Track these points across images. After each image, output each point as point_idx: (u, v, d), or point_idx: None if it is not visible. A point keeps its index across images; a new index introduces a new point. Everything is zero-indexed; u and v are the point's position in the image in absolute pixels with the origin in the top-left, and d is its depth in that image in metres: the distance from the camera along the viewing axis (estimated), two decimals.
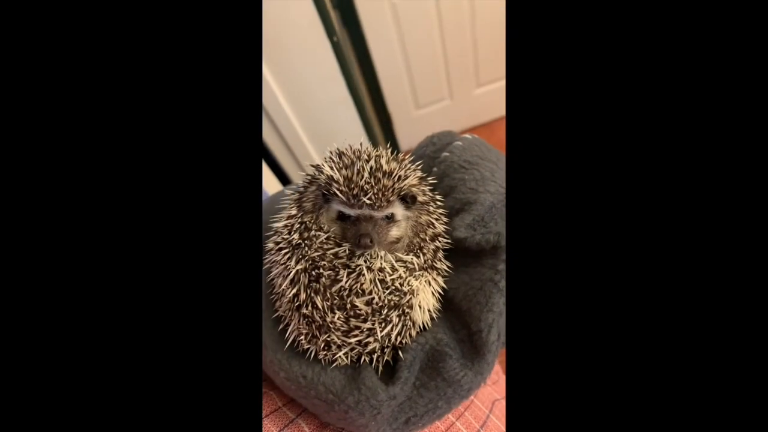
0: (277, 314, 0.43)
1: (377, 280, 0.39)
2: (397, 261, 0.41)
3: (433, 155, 0.52)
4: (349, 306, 0.38)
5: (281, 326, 0.42)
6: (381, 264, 0.39)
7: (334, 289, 0.39)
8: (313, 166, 0.45)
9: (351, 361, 0.40)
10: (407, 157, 0.47)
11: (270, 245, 0.43)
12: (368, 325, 0.38)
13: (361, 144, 0.45)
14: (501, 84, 2.11)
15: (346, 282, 0.38)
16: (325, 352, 0.40)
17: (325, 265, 0.39)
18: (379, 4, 1.53)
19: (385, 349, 0.40)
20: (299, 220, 0.42)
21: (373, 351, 0.40)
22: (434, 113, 2.19)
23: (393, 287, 0.39)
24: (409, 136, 2.26)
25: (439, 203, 0.46)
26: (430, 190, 0.46)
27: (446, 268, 0.44)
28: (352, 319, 0.39)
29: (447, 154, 0.50)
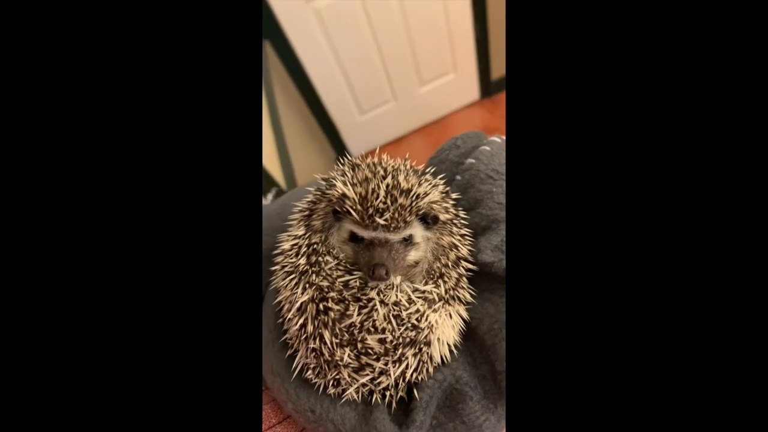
0: (285, 338, 0.40)
1: (391, 316, 0.35)
2: (414, 292, 0.36)
3: (457, 161, 0.47)
4: (360, 345, 0.35)
5: (290, 352, 0.40)
6: (396, 297, 0.35)
7: (343, 324, 0.35)
8: (323, 179, 0.41)
9: (362, 395, 0.37)
10: (429, 170, 0.42)
11: (276, 267, 0.40)
12: (381, 364, 0.35)
13: (376, 154, 0.40)
14: (446, 79, 1.96)
15: (357, 318, 0.35)
16: (334, 389, 0.37)
17: (333, 297, 0.35)
18: (300, 11, 1.36)
19: (400, 385, 0.37)
20: (307, 242, 0.38)
21: (387, 388, 0.37)
22: (381, 116, 2.07)
23: (409, 324, 0.35)
24: (358, 141, 2.16)
25: (463, 222, 0.41)
26: (453, 206, 0.41)
27: (469, 296, 0.39)
28: (363, 356, 0.35)
29: (472, 160, 0.44)
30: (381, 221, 0.35)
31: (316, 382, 0.37)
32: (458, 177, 0.45)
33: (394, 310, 0.35)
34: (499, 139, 0.46)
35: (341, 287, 0.36)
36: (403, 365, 0.35)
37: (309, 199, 0.41)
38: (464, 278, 0.39)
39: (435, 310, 0.36)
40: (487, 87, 2.19)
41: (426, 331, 0.36)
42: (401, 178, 0.36)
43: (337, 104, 1.75)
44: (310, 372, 0.37)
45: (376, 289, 0.36)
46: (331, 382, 0.36)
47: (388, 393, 0.37)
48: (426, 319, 0.36)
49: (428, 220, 0.38)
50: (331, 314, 0.35)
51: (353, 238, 0.38)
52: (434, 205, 0.38)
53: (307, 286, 0.36)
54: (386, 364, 0.35)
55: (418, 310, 0.36)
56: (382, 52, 1.62)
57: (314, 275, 0.37)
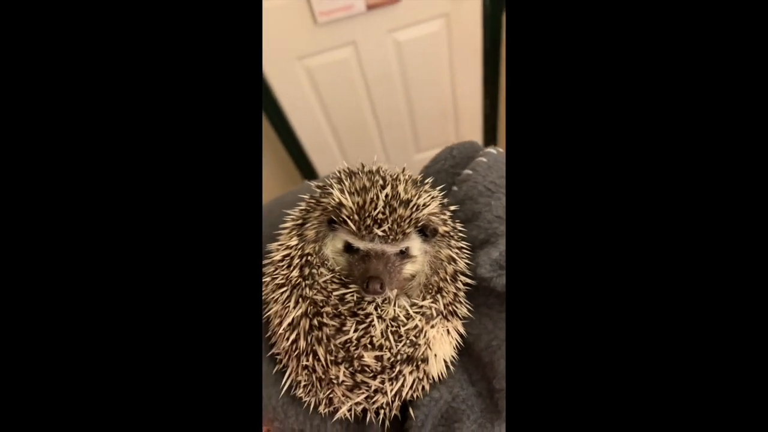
0: (271, 352, 0.38)
1: (390, 332, 0.33)
2: (412, 306, 0.35)
3: (453, 171, 0.46)
4: (356, 363, 0.33)
5: (278, 368, 0.37)
6: (395, 312, 0.34)
7: (338, 340, 0.33)
8: (318, 187, 0.39)
9: (355, 414, 0.36)
10: (428, 180, 0.41)
11: (266, 279, 0.38)
12: (377, 382, 0.33)
13: (372, 163, 0.39)
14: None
15: (353, 334, 0.33)
16: (326, 407, 0.35)
17: (329, 311, 0.34)
18: (289, 67, 1.26)
19: (394, 403, 0.36)
20: (300, 253, 0.36)
21: (381, 406, 0.35)
22: None
23: (408, 340, 0.34)
24: None
25: (461, 235, 0.40)
26: (451, 218, 0.40)
27: (466, 311, 0.38)
28: (358, 374, 0.34)
29: (470, 172, 0.43)
30: (379, 232, 0.34)
31: (306, 401, 0.35)
32: (455, 188, 0.44)
33: (393, 325, 0.34)
34: (495, 150, 0.45)
35: (337, 301, 0.34)
36: (400, 383, 0.34)
37: (302, 207, 0.39)
38: (462, 293, 0.38)
39: (433, 326, 0.35)
40: None
41: (424, 348, 0.35)
42: (401, 188, 0.35)
43: (326, 165, 1.64)
44: (300, 390, 0.35)
45: (374, 304, 0.34)
46: (323, 401, 0.35)
47: (382, 411, 0.35)
48: (424, 336, 0.34)
49: (427, 232, 0.36)
50: (326, 330, 0.33)
51: (348, 248, 0.36)
52: (433, 217, 0.37)
53: (301, 299, 0.35)
54: (382, 382, 0.33)
55: (416, 326, 0.34)
56: (378, 117, 1.52)
57: (308, 288, 0.35)
